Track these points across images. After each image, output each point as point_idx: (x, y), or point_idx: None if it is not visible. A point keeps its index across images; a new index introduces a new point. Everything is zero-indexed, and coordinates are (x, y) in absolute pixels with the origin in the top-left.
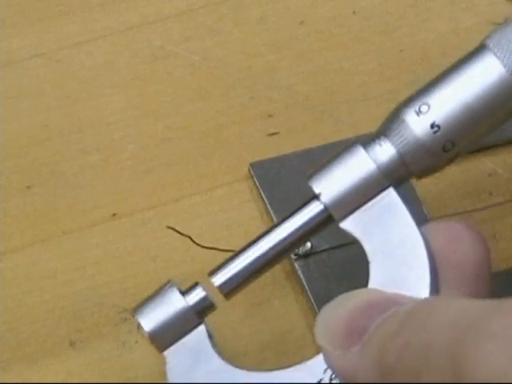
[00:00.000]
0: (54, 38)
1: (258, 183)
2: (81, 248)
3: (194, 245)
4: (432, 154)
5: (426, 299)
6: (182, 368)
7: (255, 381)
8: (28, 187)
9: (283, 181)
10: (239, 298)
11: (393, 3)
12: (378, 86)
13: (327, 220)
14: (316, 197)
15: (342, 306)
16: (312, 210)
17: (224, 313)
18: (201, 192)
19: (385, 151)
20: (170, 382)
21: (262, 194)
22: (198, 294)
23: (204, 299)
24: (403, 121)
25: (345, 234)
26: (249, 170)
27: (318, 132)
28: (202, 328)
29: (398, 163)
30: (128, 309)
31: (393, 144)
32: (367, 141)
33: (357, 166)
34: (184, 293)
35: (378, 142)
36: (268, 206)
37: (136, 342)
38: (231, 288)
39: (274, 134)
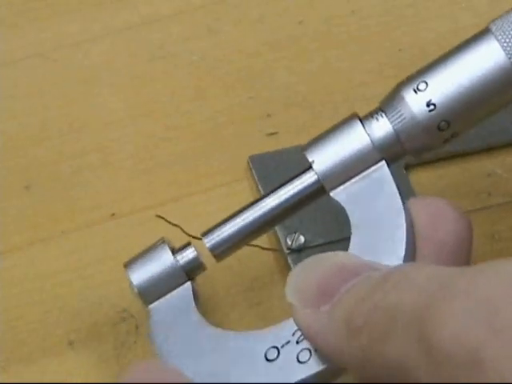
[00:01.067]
0: (53, 38)
1: (256, 177)
2: (80, 248)
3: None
4: (427, 132)
5: (399, 265)
6: (164, 323)
7: (225, 340)
8: (26, 187)
9: (282, 176)
10: (238, 297)
11: (392, 3)
12: (377, 86)
13: (319, 190)
14: (310, 167)
15: (316, 266)
16: (305, 179)
17: (223, 312)
18: (199, 192)
19: (381, 126)
20: (151, 335)
21: (260, 188)
22: (189, 254)
23: (194, 259)
24: (402, 98)
25: (339, 229)
26: (248, 164)
27: (316, 132)
28: (187, 285)
29: (393, 139)
30: (127, 309)
31: (389, 119)
32: (366, 115)
33: (352, 138)
34: (175, 251)
35: (375, 116)
36: None
37: (135, 341)
38: (222, 250)
39: (272, 133)
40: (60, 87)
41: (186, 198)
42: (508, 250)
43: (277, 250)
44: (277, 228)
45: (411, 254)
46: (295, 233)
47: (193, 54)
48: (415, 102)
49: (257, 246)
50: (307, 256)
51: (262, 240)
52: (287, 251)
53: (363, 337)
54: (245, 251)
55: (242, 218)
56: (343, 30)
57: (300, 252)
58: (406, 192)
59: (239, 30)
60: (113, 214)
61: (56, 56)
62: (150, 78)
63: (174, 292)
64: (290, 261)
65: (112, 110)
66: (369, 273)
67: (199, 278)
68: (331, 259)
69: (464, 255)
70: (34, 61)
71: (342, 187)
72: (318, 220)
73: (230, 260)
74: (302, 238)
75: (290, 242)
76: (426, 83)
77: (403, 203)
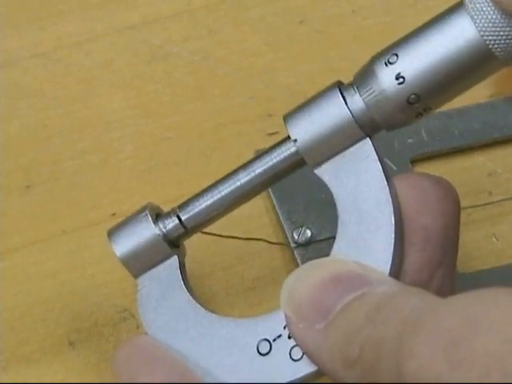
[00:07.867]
0: (53, 38)
1: None
2: (80, 248)
3: (193, 243)
4: (396, 105)
5: (392, 291)
6: (151, 298)
7: (215, 325)
8: (27, 187)
9: None
10: (239, 297)
11: (392, 2)
12: None
13: (300, 162)
14: (289, 137)
15: (309, 277)
16: (285, 151)
17: (223, 313)
18: None
19: (359, 100)
20: (139, 309)
21: None
22: (171, 222)
23: (176, 227)
24: (373, 71)
25: None
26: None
27: None
28: (174, 259)
29: (367, 114)
30: (128, 309)
31: (361, 94)
32: (346, 87)
33: (333, 113)
34: (158, 219)
35: (355, 88)
36: (272, 196)
37: None
38: (197, 224)
39: (273, 133)
40: (61, 87)
41: (187, 197)
42: (508, 250)
43: (284, 244)
44: (283, 222)
45: (400, 243)
46: (302, 227)
47: (193, 54)
48: (385, 76)
49: (263, 239)
50: (314, 250)
51: (269, 234)
52: (294, 245)
53: (357, 368)
54: (246, 251)
55: (217, 191)
56: (344, 30)
57: (307, 246)
58: None
59: (240, 30)
60: (113, 214)
61: (57, 56)
62: (151, 78)
63: (161, 266)
64: (296, 255)
65: (112, 110)
66: (363, 290)
67: (199, 278)
68: (323, 269)
69: (451, 240)
70: (35, 61)
71: (325, 165)
72: (325, 214)
73: (230, 260)
74: (309, 232)
75: (296, 237)
76: (397, 56)
77: (390, 181)
